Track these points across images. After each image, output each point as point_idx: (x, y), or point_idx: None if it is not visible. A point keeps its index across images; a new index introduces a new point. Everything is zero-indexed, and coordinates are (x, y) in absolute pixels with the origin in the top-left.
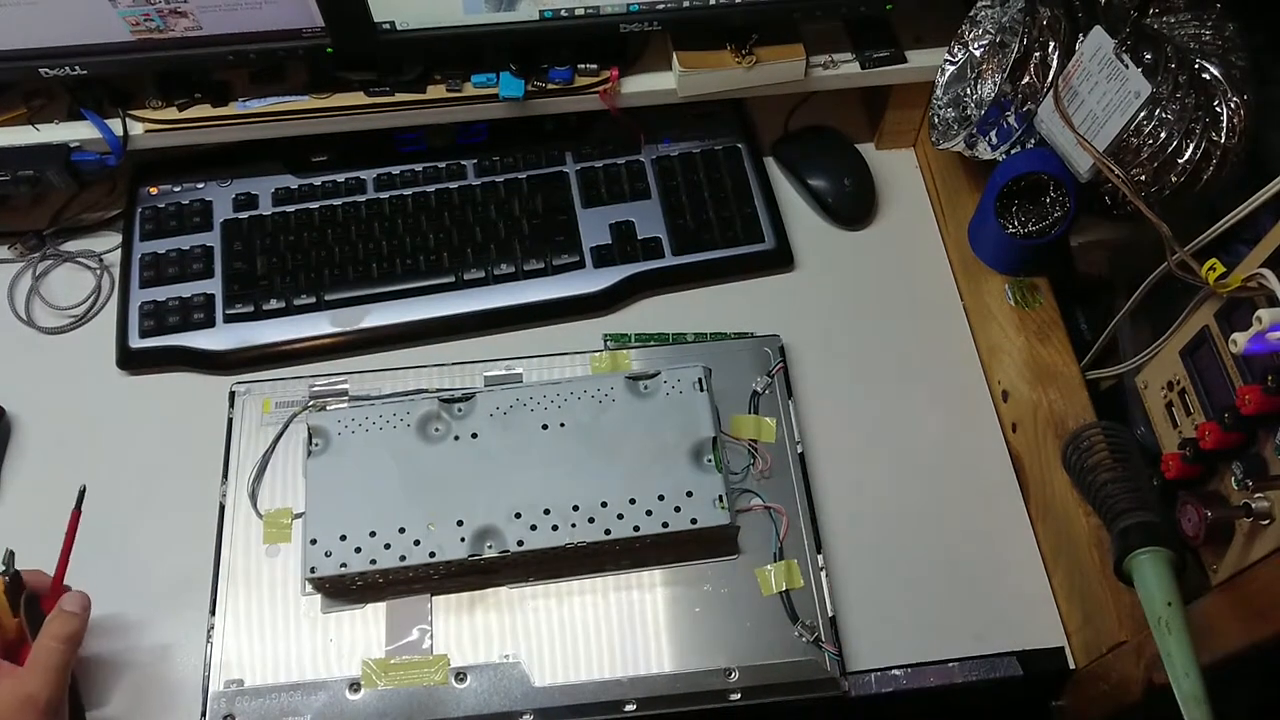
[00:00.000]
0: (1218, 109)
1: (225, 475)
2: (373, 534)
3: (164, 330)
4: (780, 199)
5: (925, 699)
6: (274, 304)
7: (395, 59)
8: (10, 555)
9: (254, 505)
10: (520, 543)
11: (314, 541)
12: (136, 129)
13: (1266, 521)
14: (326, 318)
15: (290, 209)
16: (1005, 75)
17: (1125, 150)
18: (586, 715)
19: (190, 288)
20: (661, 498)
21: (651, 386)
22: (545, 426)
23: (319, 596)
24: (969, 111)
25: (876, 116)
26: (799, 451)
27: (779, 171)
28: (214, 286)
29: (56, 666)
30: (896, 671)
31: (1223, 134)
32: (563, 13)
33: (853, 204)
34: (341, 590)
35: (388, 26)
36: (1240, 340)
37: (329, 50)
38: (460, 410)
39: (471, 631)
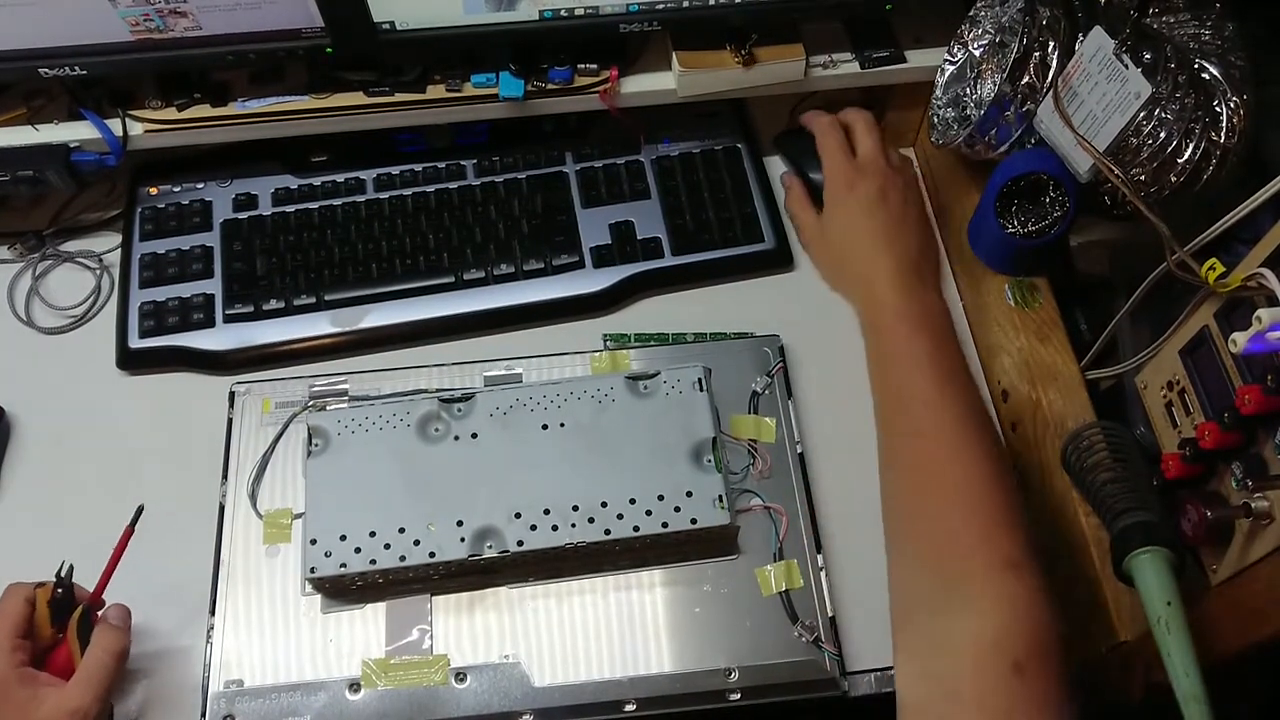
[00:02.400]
0: (1217, 109)
1: (225, 475)
2: (372, 534)
3: (164, 330)
4: (781, 197)
5: None
6: (274, 304)
7: (395, 59)
8: (69, 570)
9: (254, 505)
10: (520, 543)
11: (314, 541)
12: (136, 129)
13: (1266, 521)
14: (326, 318)
15: (290, 209)
16: (1005, 75)
17: (1125, 150)
18: (586, 715)
19: (190, 288)
20: (661, 498)
21: (651, 386)
22: (545, 426)
23: (319, 596)
24: (969, 111)
25: (876, 116)
26: (799, 451)
27: (780, 166)
28: (214, 286)
29: (103, 681)
30: None
31: (1222, 134)
32: (563, 13)
33: None
34: (341, 590)
35: (388, 27)
36: (1240, 340)
37: (328, 50)
38: (460, 410)
39: (471, 631)
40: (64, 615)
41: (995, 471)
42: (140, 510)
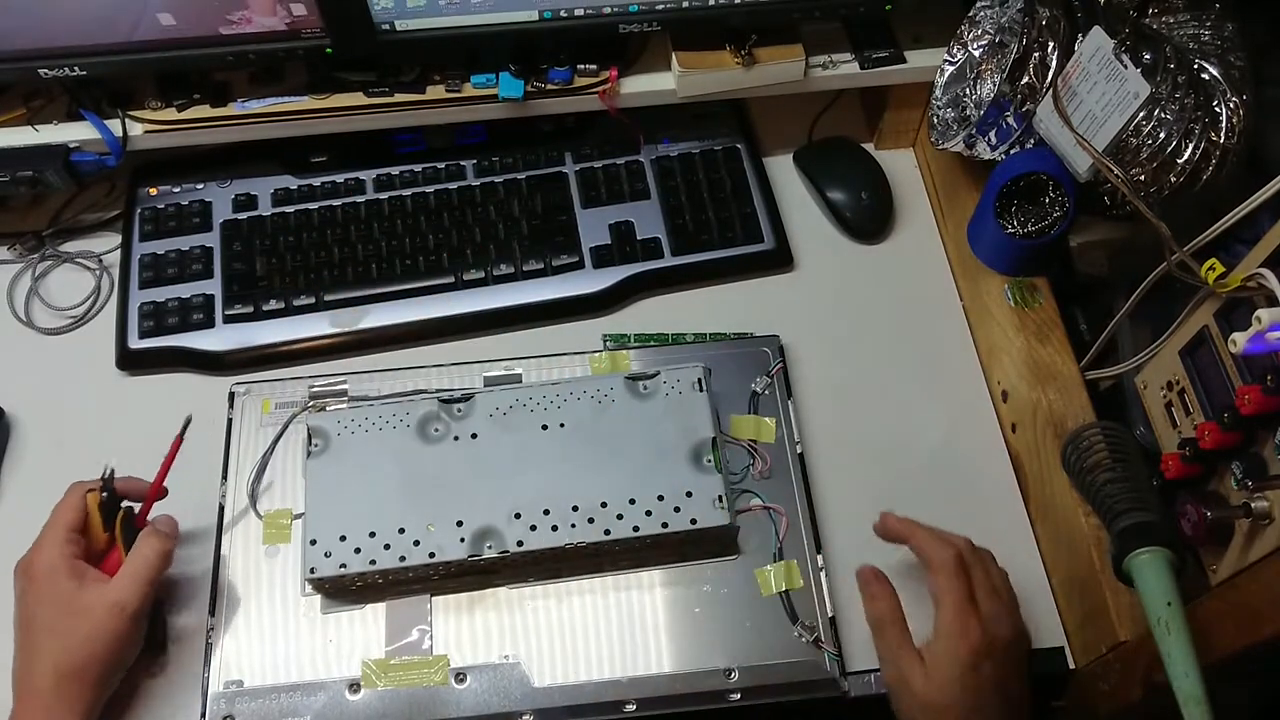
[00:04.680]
0: (1217, 109)
1: (225, 475)
2: (372, 534)
3: (163, 331)
4: (791, 201)
5: None
6: (273, 304)
7: (395, 59)
8: (111, 472)
9: (254, 505)
10: (520, 543)
11: (314, 542)
12: (136, 129)
13: (1266, 521)
14: (326, 318)
15: (289, 209)
16: (1004, 75)
17: (1124, 150)
18: (586, 715)
19: (190, 288)
20: (661, 498)
21: (651, 387)
22: (545, 427)
23: (319, 597)
24: (968, 112)
25: (876, 117)
26: (798, 452)
27: (794, 176)
28: (213, 287)
29: (146, 579)
30: None
31: (1222, 134)
32: (562, 13)
33: (868, 219)
34: (341, 591)
35: (388, 27)
36: (1240, 340)
37: (328, 51)
38: (460, 411)
39: (471, 632)
40: (114, 518)
41: None
42: (189, 421)
